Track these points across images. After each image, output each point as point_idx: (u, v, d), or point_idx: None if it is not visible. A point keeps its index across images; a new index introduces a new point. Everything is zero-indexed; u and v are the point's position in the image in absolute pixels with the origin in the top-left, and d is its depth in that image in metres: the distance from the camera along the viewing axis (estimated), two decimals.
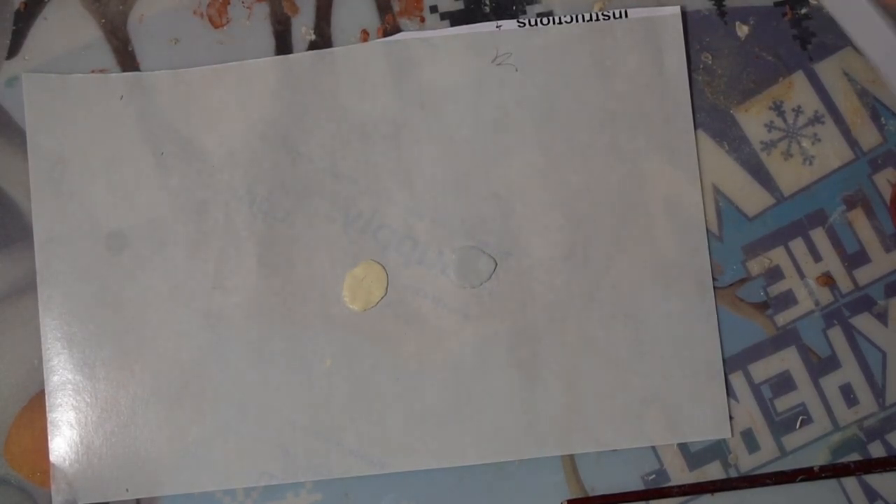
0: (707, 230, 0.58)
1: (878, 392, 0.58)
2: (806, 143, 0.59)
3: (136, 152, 0.58)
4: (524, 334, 0.57)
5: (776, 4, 0.60)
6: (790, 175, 0.59)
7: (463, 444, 0.56)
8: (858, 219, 0.59)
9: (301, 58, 0.58)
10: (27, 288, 0.57)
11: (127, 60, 0.59)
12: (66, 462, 0.56)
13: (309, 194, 0.58)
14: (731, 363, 0.58)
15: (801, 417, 0.58)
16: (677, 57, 0.59)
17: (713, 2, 0.60)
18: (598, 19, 0.59)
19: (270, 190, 0.58)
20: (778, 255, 0.58)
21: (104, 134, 0.58)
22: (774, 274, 0.58)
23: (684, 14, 0.59)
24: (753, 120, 0.59)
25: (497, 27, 0.59)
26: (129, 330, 0.57)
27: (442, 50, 0.58)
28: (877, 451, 0.58)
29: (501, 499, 0.57)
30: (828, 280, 0.58)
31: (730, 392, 0.57)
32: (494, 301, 0.57)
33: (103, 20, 0.59)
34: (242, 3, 0.59)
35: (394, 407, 0.57)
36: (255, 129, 0.58)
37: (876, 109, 0.59)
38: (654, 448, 0.57)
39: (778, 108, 0.59)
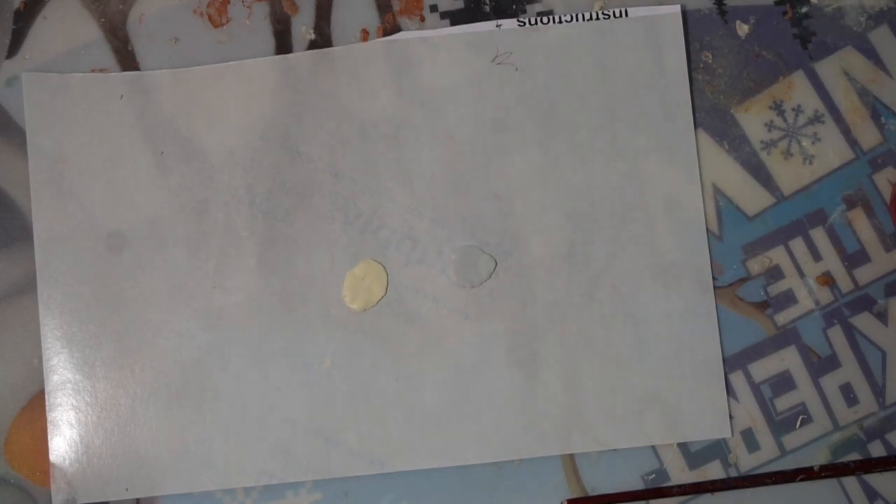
0: (707, 230, 0.58)
1: (878, 392, 0.58)
2: (806, 143, 0.59)
3: (136, 152, 0.58)
4: (524, 334, 0.57)
5: (776, 3, 0.60)
6: (790, 174, 0.59)
7: (463, 444, 0.56)
8: (858, 218, 0.59)
9: (301, 57, 0.58)
10: (27, 288, 0.57)
11: (127, 60, 0.59)
12: (66, 461, 0.56)
13: (309, 194, 0.58)
14: (731, 363, 0.58)
15: (801, 417, 0.58)
16: (677, 56, 0.58)
17: (713, 1, 0.59)
18: (598, 18, 0.59)
19: (270, 190, 0.58)
20: (778, 255, 0.58)
21: (104, 134, 0.58)
22: (774, 273, 0.58)
23: (684, 13, 0.59)
24: (753, 119, 0.59)
25: (497, 26, 0.59)
26: (129, 330, 0.57)
27: (442, 49, 0.58)
28: (877, 450, 0.58)
29: (501, 499, 0.57)
30: (828, 280, 0.58)
31: (730, 392, 0.57)
32: (494, 300, 0.57)
33: (103, 20, 0.59)
34: (242, 2, 0.59)
35: (394, 407, 0.57)
36: (255, 129, 0.58)
37: (876, 109, 0.59)
38: (654, 448, 0.57)
39: (778, 108, 0.59)
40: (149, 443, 0.56)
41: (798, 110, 0.59)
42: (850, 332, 0.58)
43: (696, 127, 0.59)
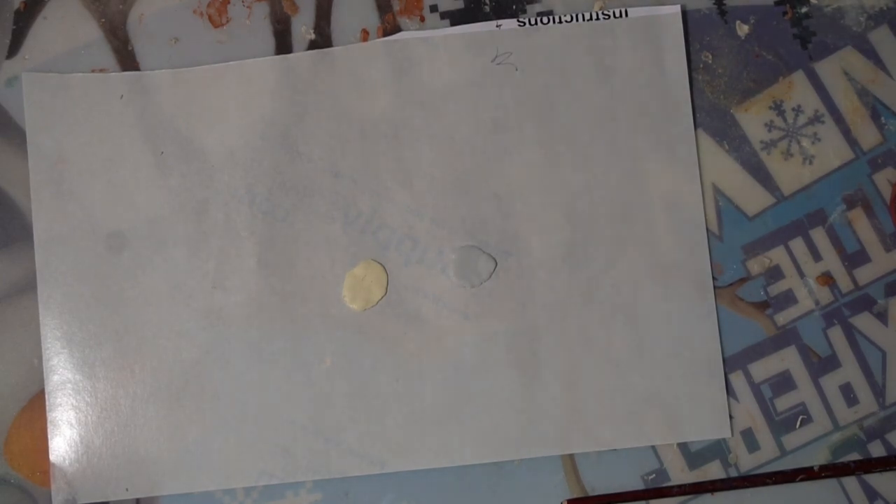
0: (707, 230, 0.58)
1: (878, 392, 0.58)
2: (806, 143, 0.59)
3: (136, 152, 0.58)
4: (524, 334, 0.57)
5: (776, 4, 0.60)
6: (790, 175, 0.59)
7: (463, 444, 0.56)
8: (858, 218, 0.59)
9: (301, 57, 0.58)
10: (27, 288, 0.57)
11: (127, 60, 0.59)
12: (66, 461, 0.56)
13: (309, 194, 0.58)
14: (731, 363, 0.58)
15: (801, 417, 0.58)
16: (677, 56, 0.58)
17: (713, 1, 0.59)
18: (598, 18, 0.59)
19: (270, 189, 0.58)
20: (778, 255, 0.58)
21: (104, 134, 0.58)
22: (774, 273, 0.58)
23: (684, 13, 0.59)
24: (753, 119, 0.59)
25: (497, 26, 0.59)
26: (129, 330, 0.57)
27: (442, 49, 0.58)
28: (877, 450, 0.58)
29: (501, 499, 0.57)
30: (828, 280, 0.58)
31: (730, 392, 0.57)
32: (494, 300, 0.57)
33: (103, 20, 0.59)
34: (242, 2, 0.59)
35: (394, 407, 0.57)
36: (255, 129, 0.58)
37: (876, 109, 0.59)
38: (654, 448, 0.57)
39: (778, 108, 0.59)
40: (149, 443, 0.56)
41: (798, 110, 0.59)
42: (850, 332, 0.58)
43: (696, 127, 0.59)
